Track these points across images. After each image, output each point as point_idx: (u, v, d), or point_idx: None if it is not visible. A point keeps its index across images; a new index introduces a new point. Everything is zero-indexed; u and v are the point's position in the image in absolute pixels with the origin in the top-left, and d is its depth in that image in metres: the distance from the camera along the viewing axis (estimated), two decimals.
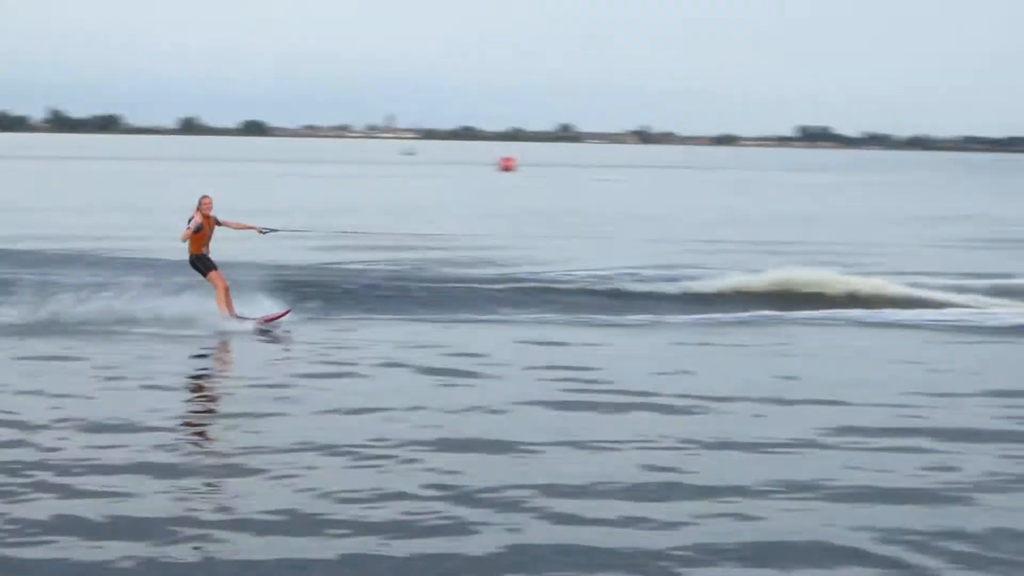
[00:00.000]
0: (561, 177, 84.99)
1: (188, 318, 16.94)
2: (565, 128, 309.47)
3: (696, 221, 43.30)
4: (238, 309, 17.30)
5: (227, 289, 17.16)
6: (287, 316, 17.35)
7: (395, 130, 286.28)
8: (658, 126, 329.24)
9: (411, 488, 9.01)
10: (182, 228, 17.03)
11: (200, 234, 16.82)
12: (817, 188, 76.79)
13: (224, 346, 16.30)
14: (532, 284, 22.00)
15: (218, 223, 17.13)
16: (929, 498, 9.10)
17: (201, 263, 16.96)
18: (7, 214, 39.09)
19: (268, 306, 17.77)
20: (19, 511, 8.45)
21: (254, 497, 8.85)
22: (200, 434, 11.30)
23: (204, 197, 17.10)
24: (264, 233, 18.75)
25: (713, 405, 12.23)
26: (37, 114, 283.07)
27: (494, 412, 11.87)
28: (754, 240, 33.92)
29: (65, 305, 17.04)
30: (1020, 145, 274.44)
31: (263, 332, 16.93)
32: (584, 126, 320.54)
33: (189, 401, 13.10)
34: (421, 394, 12.62)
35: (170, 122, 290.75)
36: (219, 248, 17.45)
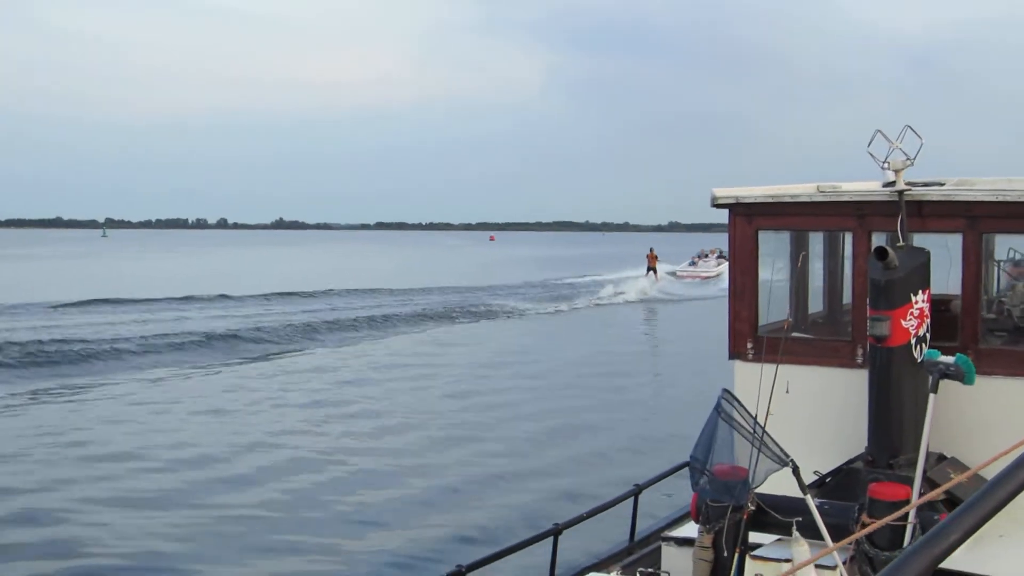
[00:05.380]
0: None
1: (641, 289, 57.94)
2: None
3: None
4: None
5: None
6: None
7: None
8: None
9: None
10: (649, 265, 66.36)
11: (654, 261, 65.17)
12: None
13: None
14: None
15: (655, 257, 65.80)
16: None
17: (653, 269, 64.47)
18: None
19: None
20: None
21: None
22: None
23: (652, 248, 66.60)
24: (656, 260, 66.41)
25: None
26: None
27: None
28: None
29: (591, 299, 53.32)
30: None
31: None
32: None
33: None
34: None
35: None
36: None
